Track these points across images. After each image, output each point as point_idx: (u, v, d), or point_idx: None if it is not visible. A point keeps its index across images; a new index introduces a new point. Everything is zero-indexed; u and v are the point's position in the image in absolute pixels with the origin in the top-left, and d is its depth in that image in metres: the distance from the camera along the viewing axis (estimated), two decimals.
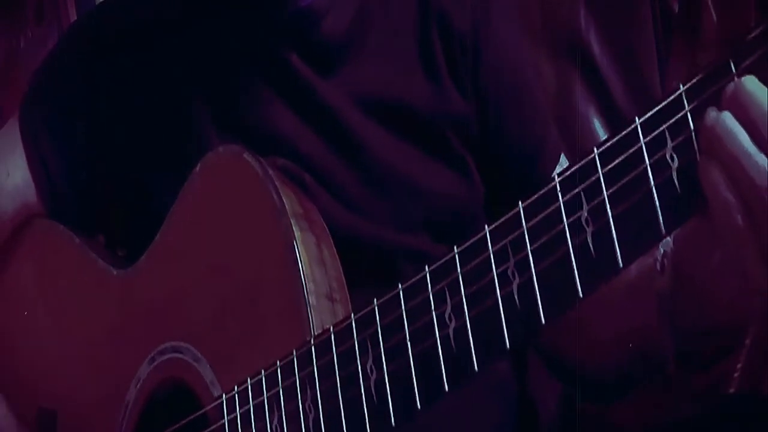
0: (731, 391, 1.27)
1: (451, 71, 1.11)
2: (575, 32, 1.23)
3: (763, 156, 0.71)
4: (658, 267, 0.89)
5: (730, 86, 0.72)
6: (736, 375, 1.28)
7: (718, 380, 1.28)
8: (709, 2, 1.31)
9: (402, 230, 1.09)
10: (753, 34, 0.72)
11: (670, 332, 0.91)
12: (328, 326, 0.90)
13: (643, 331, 0.93)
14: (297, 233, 0.96)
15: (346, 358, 0.88)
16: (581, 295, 0.78)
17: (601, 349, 1.00)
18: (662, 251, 0.89)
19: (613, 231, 0.76)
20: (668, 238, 0.88)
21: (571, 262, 0.78)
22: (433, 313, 0.84)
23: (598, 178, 0.77)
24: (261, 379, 0.94)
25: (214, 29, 1.15)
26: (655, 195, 0.74)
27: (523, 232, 0.80)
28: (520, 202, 0.81)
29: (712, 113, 0.72)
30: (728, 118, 0.72)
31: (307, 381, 0.90)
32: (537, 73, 1.13)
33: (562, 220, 0.78)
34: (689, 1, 1.32)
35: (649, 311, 0.92)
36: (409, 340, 0.85)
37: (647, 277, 0.91)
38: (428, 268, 0.85)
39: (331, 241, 0.99)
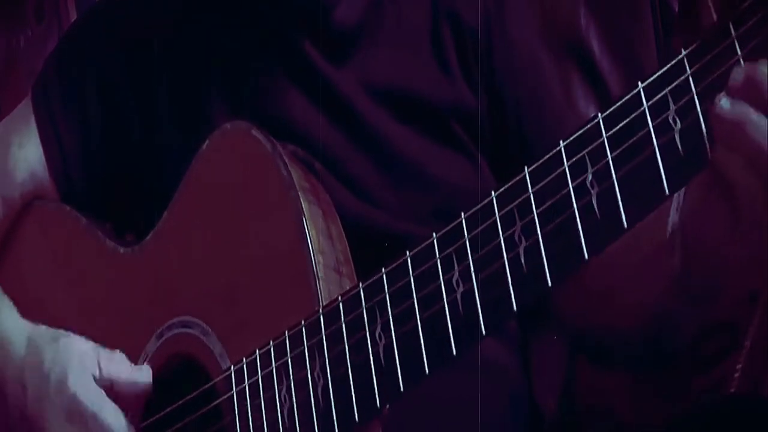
0: (731, 391, 1.27)
1: (461, 65, 1.12)
2: (575, 32, 1.23)
3: None
4: (668, 246, 0.90)
5: (739, 71, 0.72)
6: (736, 376, 1.28)
7: (718, 381, 1.28)
8: (709, 2, 1.33)
9: (412, 220, 1.10)
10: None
11: (684, 303, 0.92)
12: (336, 296, 0.92)
13: (662, 300, 0.94)
14: (305, 206, 0.97)
15: (355, 325, 0.90)
16: (587, 256, 0.79)
17: (623, 317, 1.01)
18: (670, 231, 0.90)
19: (618, 192, 0.78)
20: (675, 217, 0.89)
21: (577, 224, 0.79)
22: (441, 278, 0.85)
23: (603, 141, 0.79)
24: (269, 350, 0.95)
25: (227, 16, 1.17)
26: (659, 156, 0.76)
27: (529, 197, 0.82)
28: (525, 167, 0.82)
29: (724, 103, 0.73)
30: (748, 110, 0.72)
31: (316, 349, 0.92)
32: (553, 72, 1.13)
33: (568, 184, 0.80)
34: (689, 1, 1.33)
35: (667, 282, 0.92)
36: (417, 305, 0.86)
37: (661, 254, 0.91)
38: (436, 234, 0.87)
39: (338, 218, 1.00)
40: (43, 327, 1.15)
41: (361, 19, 1.13)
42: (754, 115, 0.72)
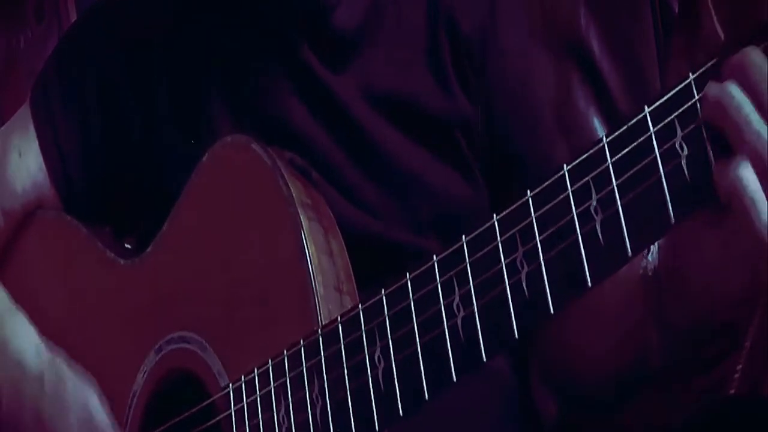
0: (731, 392, 1.27)
1: (457, 74, 1.10)
2: (575, 32, 1.22)
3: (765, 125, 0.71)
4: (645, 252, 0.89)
5: (733, 57, 0.72)
6: (736, 376, 1.27)
7: (718, 382, 1.28)
8: (710, 2, 1.31)
9: (409, 229, 1.09)
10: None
11: (655, 320, 0.91)
12: (335, 316, 0.91)
13: (635, 332, 0.94)
14: (305, 223, 0.96)
15: (354, 347, 0.89)
16: (590, 284, 0.78)
17: (596, 364, 1.00)
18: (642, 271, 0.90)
19: (622, 220, 0.76)
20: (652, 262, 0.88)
21: (580, 250, 0.78)
22: (441, 302, 0.84)
23: (608, 167, 0.77)
24: (268, 369, 0.94)
25: (227, 16, 1.16)
26: (665, 184, 0.74)
27: (532, 222, 0.80)
28: (528, 191, 0.81)
29: (713, 86, 0.72)
30: (733, 88, 0.71)
31: (315, 371, 0.91)
32: (545, 84, 1.12)
33: (571, 209, 0.79)
34: (689, 1, 1.32)
35: (638, 304, 0.92)
36: (417, 329, 0.85)
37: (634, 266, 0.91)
38: (436, 257, 0.85)
39: (339, 233, 0.99)
40: (62, 356, 1.15)
41: (360, 26, 1.12)
42: (737, 94, 0.71)
